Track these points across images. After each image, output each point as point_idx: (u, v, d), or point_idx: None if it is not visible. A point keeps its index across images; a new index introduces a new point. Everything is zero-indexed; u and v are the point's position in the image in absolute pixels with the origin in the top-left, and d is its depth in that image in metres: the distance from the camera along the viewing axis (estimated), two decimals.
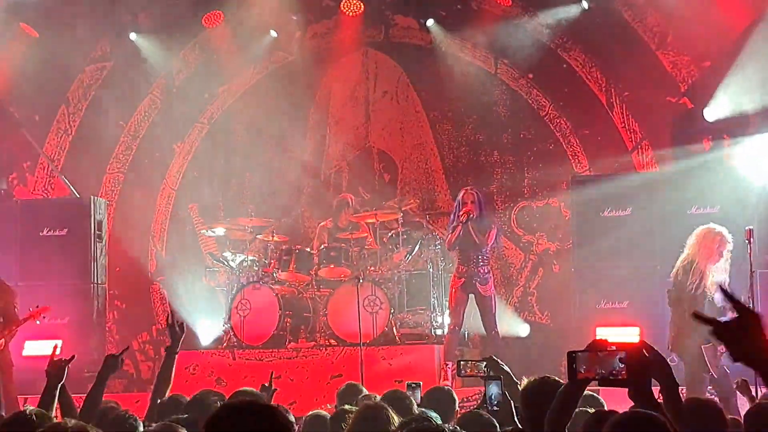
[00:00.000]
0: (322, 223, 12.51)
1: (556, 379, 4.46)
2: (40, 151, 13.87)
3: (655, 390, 3.45)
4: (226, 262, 12.27)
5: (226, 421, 2.78)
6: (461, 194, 10.94)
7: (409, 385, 6.52)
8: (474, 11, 13.45)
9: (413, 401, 5.77)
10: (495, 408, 5.14)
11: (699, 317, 2.78)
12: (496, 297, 11.21)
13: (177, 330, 6.38)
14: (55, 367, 5.66)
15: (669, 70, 12.86)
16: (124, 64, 14.16)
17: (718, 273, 8.70)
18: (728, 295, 2.74)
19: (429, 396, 6.22)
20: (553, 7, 12.98)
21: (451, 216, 11.15)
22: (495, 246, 11.23)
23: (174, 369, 6.40)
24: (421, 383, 6.62)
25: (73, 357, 5.84)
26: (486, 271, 10.89)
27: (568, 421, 3.79)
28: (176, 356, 6.37)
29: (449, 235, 10.92)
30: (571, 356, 3.48)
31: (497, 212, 13.23)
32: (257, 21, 13.74)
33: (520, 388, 5.22)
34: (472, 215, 10.67)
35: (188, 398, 5.87)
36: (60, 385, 5.66)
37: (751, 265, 9.28)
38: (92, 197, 12.80)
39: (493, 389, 5.20)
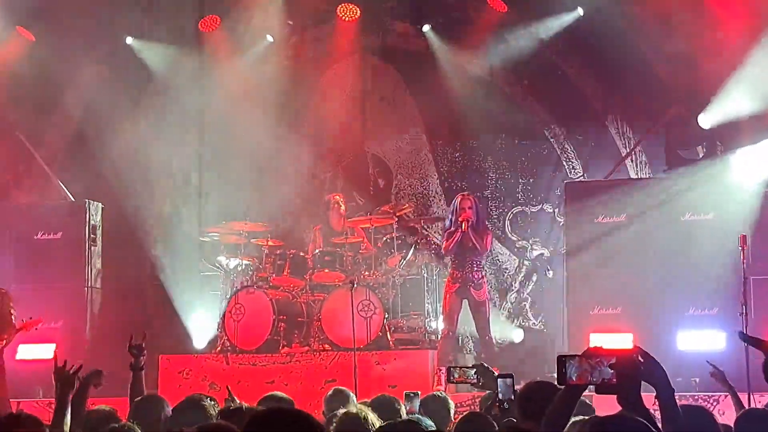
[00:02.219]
0: (316, 226, 12.52)
1: (553, 383, 4.48)
2: (35, 154, 13.86)
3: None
4: (220, 267, 12.28)
5: (266, 424, 2.89)
6: (458, 200, 10.97)
7: (407, 395, 6.52)
8: (471, 18, 13.48)
9: (402, 406, 5.78)
10: (506, 406, 5.12)
11: (743, 336, 2.76)
12: (490, 302, 11.25)
13: (135, 351, 6.69)
14: (64, 376, 5.36)
15: (664, 77, 12.90)
16: (121, 68, 14.15)
17: None
18: (748, 338, 2.74)
19: (423, 403, 6.23)
20: (550, 15, 13.02)
21: (446, 221, 11.17)
22: (489, 251, 11.28)
23: (143, 383, 6.69)
24: (420, 392, 6.62)
25: (80, 367, 5.53)
26: (480, 276, 10.94)
27: (564, 426, 3.80)
28: (142, 372, 6.70)
29: (446, 241, 10.95)
30: (562, 361, 3.48)
31: (491, 218, 13.26)
32: (253, 26, 13.76)
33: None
34: (471, 221, 10.73)
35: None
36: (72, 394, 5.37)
37: (744, 272, 9.31)
38: (87, 201, 12.79)
39: (504, 387, 5.19)
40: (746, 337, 2.74)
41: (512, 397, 5.10)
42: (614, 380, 3.36)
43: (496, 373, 5.65)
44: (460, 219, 10.77)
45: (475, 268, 10.87)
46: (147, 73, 14.16)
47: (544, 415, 3.79)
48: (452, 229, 10.88)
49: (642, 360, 3.37)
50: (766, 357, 2.66)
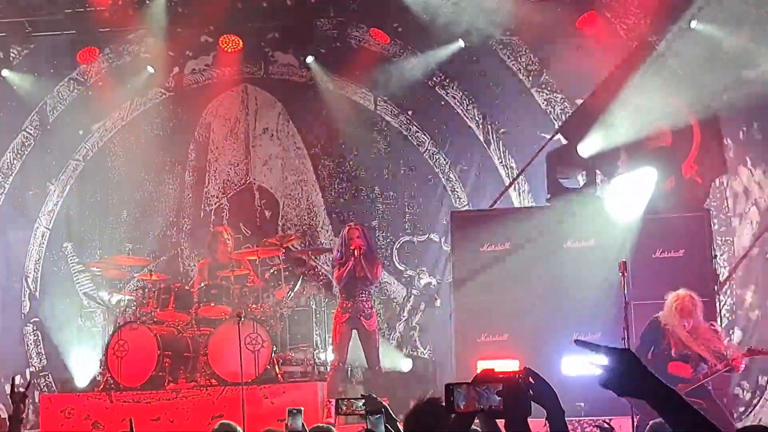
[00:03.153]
0: (201, 261, 12.36)
1: (436, 400, 4.47)
2: None
3: None
4: (102, 302, 12.02)
5: None
6: (345, 230, 11.02)
7: (290, 411, 6.44)
8: (353, 49, 13.57)
9: None
10: None
11: (580, 343, 2.80)
12: (379, 333, 11.27)
13: (17, 398, 6.32)
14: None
15: (543, 107, 13.20)
16: None
17: None
18: (587, 345, 2.78)
19: None
20: (431, 46, 13.19)
21: (335, 252, 11.17)
22: (378, 281, 11.34)
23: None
24: (303, 408, 6.56)
25: None
26: (370, 306, 10.99)
27: None
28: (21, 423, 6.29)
29: (337, 271, 10.95)
30: (449, 389, 3.47)
31: (379, 248, 13.30)
32: (133, 57, 13.59)
33: (399, 425, 5.23)
34: (363, 249, 10.77)
35: None
36: None
37: (625, 297, 9.50)
38: None
39: (378, 425, 5.16)
40: (582, 342, 2.78)
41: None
42: (501, 406, 3.36)
43: (386, 404, 5.63)
44: (352, 247, 10.81)
45: (365, 298, 10.91)
46: (24, 105, 13.85)
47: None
48: (342, 259, 10.88)
49: (532, 381, 3.39)
50: (605, 364, 2.72)
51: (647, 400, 2.71)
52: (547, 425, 3.46)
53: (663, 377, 7.91)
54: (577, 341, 2.86)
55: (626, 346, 8.89)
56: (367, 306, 10.92)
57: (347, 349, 10.95)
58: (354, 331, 10.93)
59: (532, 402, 3.34)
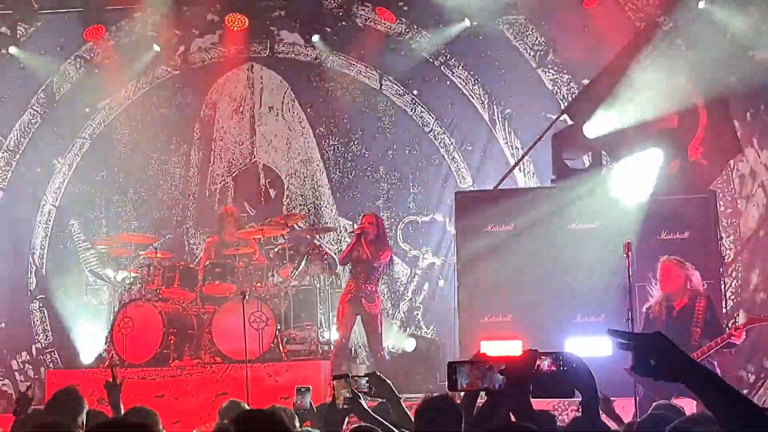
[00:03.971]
0: (208, 239, 12.39)
1: (449, 398, 4.48)
2: None
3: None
4: (108, 280, 12.06)
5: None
6: (362, 216, 11.27)
7: (298, 390, 6.46)
8: (359, 28, 13.55)
9: (294, 418, 5.74)
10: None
11: (613, 332, 2.77)
12: (382, 315, 11.30)
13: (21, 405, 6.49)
14: None
15: (549, 87, 13.17)
16: (3, 78, 13.84)
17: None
18: (619, 334, 2.75)
19: (319, 410, 6.19)
20: (437, 25, 13.16)
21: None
22: (387, 268, 11.37)
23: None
24: (311, 387, 6.58)
25: None
26: (374, 290, 11.03)
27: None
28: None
29: (344, 251, 11.11)
30: (452, 368, 3.50)
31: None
32: (140, 35, 13.59)
33: (403, 404, 5.24)
34: (366, 232, 10.82)
35: None
36: None
37: (629, 279, 9.49)
38: None
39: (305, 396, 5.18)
40: (614, 332, 2.75)
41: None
42: (503, 386, 3.39)
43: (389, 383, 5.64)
44: (356, 230, 10.90)
45: (368, 281, 10.94)
46: (31, 82, 13.88)
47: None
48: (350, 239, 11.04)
49: (575, 366, 3.36)
50: (637, 351, 2.70)
51: (685, 382, 2.64)
52: (580, 409, 3.44)
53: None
54: (609, 330, 2.81)
55: (630, 328, 8.91)
56: (369, 289, 10.95)
57: (350, 328, 10.99)
58: (358, 317, 11.00)
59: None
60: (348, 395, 4.98)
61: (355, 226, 11.63)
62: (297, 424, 5.94)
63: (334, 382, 5.11)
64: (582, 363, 3.37)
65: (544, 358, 3.36)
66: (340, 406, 4.95)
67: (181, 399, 10.69)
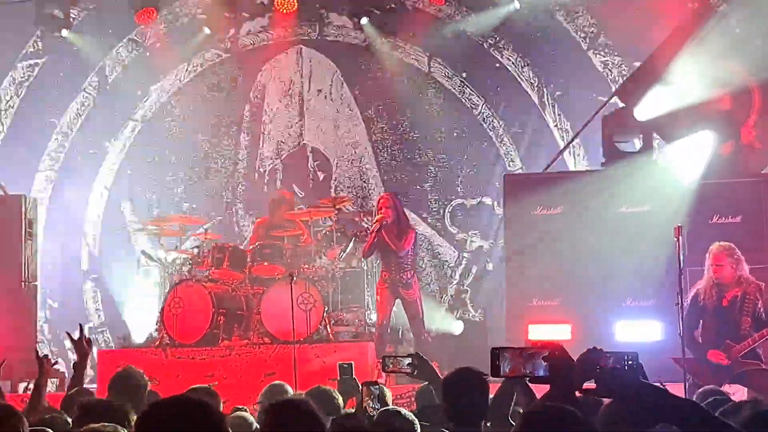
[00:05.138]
0: (258, 220, 12.46)
1: (475, 369, 4.49)
2: None
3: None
4: (158, 260, 12.18)
5: (157, 417, 2.77)
6: (378, 199, 11.07)
7: (341, 366, 6.49)
8: (408, 10, 13.52)
9: (339, 398, 5.77)
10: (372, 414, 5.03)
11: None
12: (423, 299, 11.27)
13: (83, 346, 6.46)
14: None
15: (600, 69, 13.05)
16: (56, 61, 14.01)
17: None
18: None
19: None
20: (487, 7, 13.09)
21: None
22: (413, 251, 11.21)
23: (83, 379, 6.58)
24: (353, 363, 6.61)
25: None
26: (409, 276, 10.97)
27: (507, 414, 3.81)
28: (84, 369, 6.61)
29: (366, 242, 11.00)
30: (495, 353, 3.50)
31: (431, 211, 13.32)
32: (190, 18, 13.67)
33: None
34: (386, 221, 10.79)
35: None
36: None
37: (680, 263, 9.40)
38: (23, 196, 12.60)
39: (372, 396, 5.12)
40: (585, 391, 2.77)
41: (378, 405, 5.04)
42: (546, 372, 3.38)
43: (434, 366, 5.64)
44: (375, 220, 10.84)
45: (403, 269, 10.90)
46: (84, 65, 14.03)
47: (464, 401, 3.78)
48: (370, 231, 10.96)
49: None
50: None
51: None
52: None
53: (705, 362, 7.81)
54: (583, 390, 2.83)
55: (681, 314, 8.84)
56: (404, 276, 10.92)
57: (389, 313, 11.01)
58: (398, 301, 11.01)
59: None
60: (375, 405, 4.97)
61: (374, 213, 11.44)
62: (341, 401, 5.97)
63: (363, 389, 5.09)
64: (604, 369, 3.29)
65: (608, 356, 3.32)
66: (367, 414, 4.95)
67: (230, 379, 10.78)
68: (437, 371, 5.53)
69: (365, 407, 4.97)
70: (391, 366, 5.43)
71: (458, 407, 4.34)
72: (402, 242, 10.85)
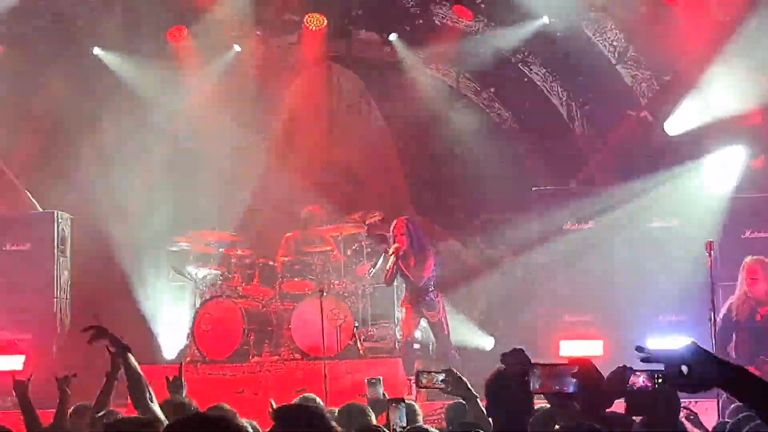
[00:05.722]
0: (288, 234, 12.50)
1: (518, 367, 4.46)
2: (2, 165, 13.77)
3: None
4: (189, 276, 12.23)
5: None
6: (392, 226, 10.99)
7: (369, 381, 6.47)
8: (436, 26, 13.54)
9: (372, 414, 5.75)
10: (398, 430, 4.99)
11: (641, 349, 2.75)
12: (452, 315, 11.24)
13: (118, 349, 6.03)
14: (19, 386, 6.55)
15: (629, 84, 13.01)
16: (89, 78, 14.11)
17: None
18: (649, 356, 2.73)
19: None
20: (515, 22, 13.09)
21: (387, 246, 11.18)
22: (435, 272, 11.06)
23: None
24: (381, 378, 6.58)
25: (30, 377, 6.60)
26: (432, 297, 10.93)
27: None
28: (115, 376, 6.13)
29: (386, 271, 10.96)
30: (524, 370, 3.51)
31: (460, 226, 13.30)
32: (220, 36, 13.76)
33: (480, 402, 5.18)
34: (401, 251, 10.74)
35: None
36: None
37: (711, 279, 9.35)
38: (55, 212, 12.71)
39: (398, 413, 5.08)
40: (642, 350, 2.72)
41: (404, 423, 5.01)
42: (576, 389, 3.38)
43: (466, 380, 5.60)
44: (391, 252, 10.80)
45: (425, 291, 10.87)
46: (115, 83, 14.14)
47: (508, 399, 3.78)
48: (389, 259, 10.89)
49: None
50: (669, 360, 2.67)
51: (721, 386, 2.67)
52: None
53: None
54: (638, 348, 2.79)
55: (713, 329, 8.78)
56: (428, 298, 10.89)
57: (414, 328, 11.00)
58: (424, 319, 11.00)
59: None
60: (402, 422, 4.95)
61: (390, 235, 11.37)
62: (373, 418, 5.95)
63: (389, 405, 5.08)
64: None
65: (639, 374, 3.32)
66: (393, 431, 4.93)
67: (261, 395, 10.80)
68: (471, 388, 5.47)
69: (392, 425, 4.96)
70: (425, 381, 5.39)
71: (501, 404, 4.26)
72: (421, 272, 10.83)
